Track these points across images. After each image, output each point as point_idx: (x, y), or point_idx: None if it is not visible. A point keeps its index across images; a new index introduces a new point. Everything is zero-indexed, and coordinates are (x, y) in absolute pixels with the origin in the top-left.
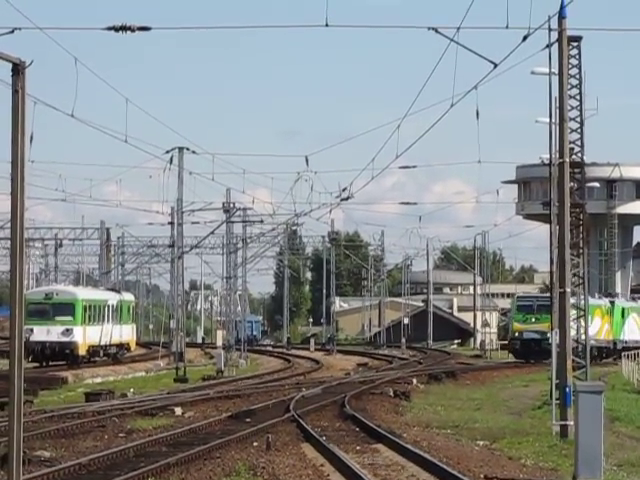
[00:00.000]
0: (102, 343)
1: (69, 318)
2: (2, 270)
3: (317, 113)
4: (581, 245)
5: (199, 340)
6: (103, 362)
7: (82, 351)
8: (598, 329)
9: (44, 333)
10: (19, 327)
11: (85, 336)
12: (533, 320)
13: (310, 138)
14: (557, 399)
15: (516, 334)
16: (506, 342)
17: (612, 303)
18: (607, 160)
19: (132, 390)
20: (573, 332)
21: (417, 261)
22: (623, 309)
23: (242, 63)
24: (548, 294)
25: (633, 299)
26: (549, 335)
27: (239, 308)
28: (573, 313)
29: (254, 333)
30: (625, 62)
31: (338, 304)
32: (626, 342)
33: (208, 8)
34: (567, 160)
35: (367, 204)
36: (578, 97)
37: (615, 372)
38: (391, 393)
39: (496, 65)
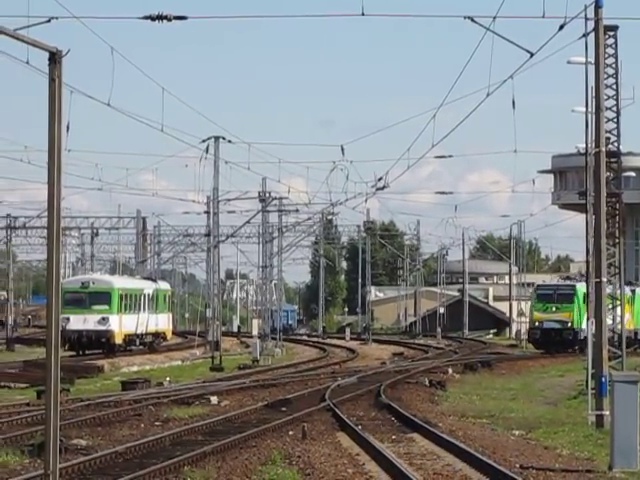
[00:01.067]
0: (138, 332)
1: (105, 307)
2: (39, 259)
3: (353, 102)
4: (617, 235)
5: (235, 329)
6: (139, 351)
7: (118, 340)
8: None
9: (81, 322)
10: (56, 316)
11: (121, 325)
12: (554, 309)
13: (346, 127)
14: (593, 389)
15: (536, 324)
16: None
17: (633, 292)
18: None
19: (168, 379)
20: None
21: (453, 251)
22: None
23: (279, 52)
24: (569, 282)
25: None
26: (570, 324)
27: (275, 297)
28: (608, 302)
29: (290, 322)
30: None
31: (374, 293)
32: None
33: None
34: (603, 149)
35: (403, 193)
36: (614, 86)
37: None
38: (427, 382)
39: (532, 54)
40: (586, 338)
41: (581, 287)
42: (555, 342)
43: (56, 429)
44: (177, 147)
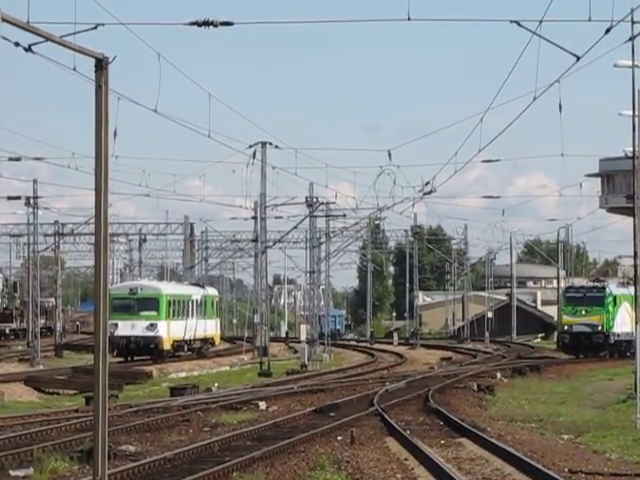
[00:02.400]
0: (186, 338)
1: (153, 313)
2: (87, 265)
3: (399, 107)
4: None
5: (283, 334)
6: (187, 357)
7: (166, 346)
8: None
9: (129, 328)
10: (103, 322)
11: (169, 331)
12: (583, 312)
13: (392, 132)
14: None
15: (565, 327)
16: None
17: None
18: None
19: (216, 384)
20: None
21: (500, 255)
22: None
23: (324, 58)
24: (599, 284)
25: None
26: (600, 328)
27: (322, 302)
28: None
29: (337, 327)
30: None
31: (421, 298)
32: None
33: (291, 3)
34: None
35: (450, 198)
36: None
37: None
38: (475, 387)
39: (579, 58)
40: (617, 342)
41: (611, 289)
42: (585, 346)
43: (105, 435)
44: (224, 153)
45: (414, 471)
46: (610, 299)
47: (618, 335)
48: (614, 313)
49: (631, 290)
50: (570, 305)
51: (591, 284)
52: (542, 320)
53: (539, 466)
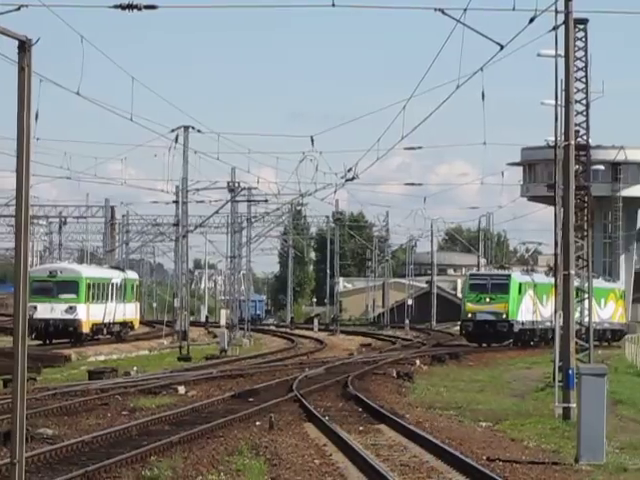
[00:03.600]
0: (106, 321)
1: (73, 296)
2: (6, 247)
3: (323, 94)
4: (585, 228)
5: (203, 319)
6: (107, 340)
7: (86, 329)
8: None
9: (48, 310)
10: (23, 304)
11: (89, 314)
12: (487, 300)
13: (315, 119)
14: (560, 381)
15: (469, 315)
16: None
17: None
18: (612, 143)
19: (135, 368)
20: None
21: (421, 242)
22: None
23: (248, 43)
24: (503, 272)
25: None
26: (504, 316)
27: (243, 287)
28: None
29: (258, 312)
30: (631, 45)
31: (342, 284)
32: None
33: None
34: (572, 142)
35: (372, 185)
36: (584, 80)
37: (618, 355)
38: (394, 374)
39: (502, 47)
40: (522, 331)
41: (516, 277)
42: (489, 335)
43: (22, 418)
44: (146, 136)
45: (332, 457)
46: (515, 287)
47: (522, 324)
48: (519, 301)
49: (535, 278)
50: (474, 292)
51: (495, 271)
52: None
53: (457, 453)
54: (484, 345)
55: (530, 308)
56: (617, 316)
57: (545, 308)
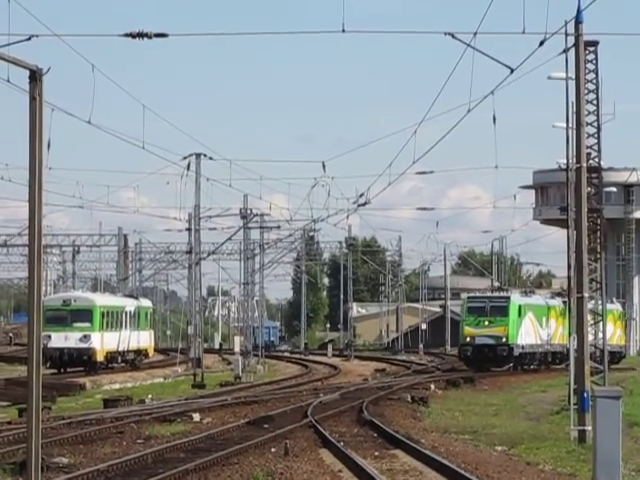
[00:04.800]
0: (120, 349)
1: (87, 324)
2: (20, 277)
3: (333, 119)
4: (598, 250)
5: (217, 346)
6: (121, 368)
7: (100, 357)
8: (553, 333)
9: (62, 339)
10: (37, 333)
11: (103, 342)
12: (486, 323)
13: (326, 144)
14: (575, 404)
15: (467, 339)
16: None
17: (565, 303)
18: (624, 165)
19: (150, 396)
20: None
21: (434, 266)
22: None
23: (259, 69)
24: (502, 294)
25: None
26: (504, 340)
27: (256, 314)
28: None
29: (272, 339)
30: None
31: (355, 310)
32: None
33: (225, 14)
34: (584, 165)
35: (384, 209)
36: (595, 102)
37: (633, 377)
38: (409, 399)
39: (513, 70)
40: (522, 355)
41: (515, 299)
42: (488, 359)
43: (38, 447)
44: (158, 164)
45: None
46: (514, 309)
47: (522, 347)
48: (518, 324)
49: (535, 300)
50: (472, 316)
51: (494, 293)
52: None
53: (473, 478)
54: (492, 369)
55: (530, 331)
56: (616, 338)
57: (545, 331)
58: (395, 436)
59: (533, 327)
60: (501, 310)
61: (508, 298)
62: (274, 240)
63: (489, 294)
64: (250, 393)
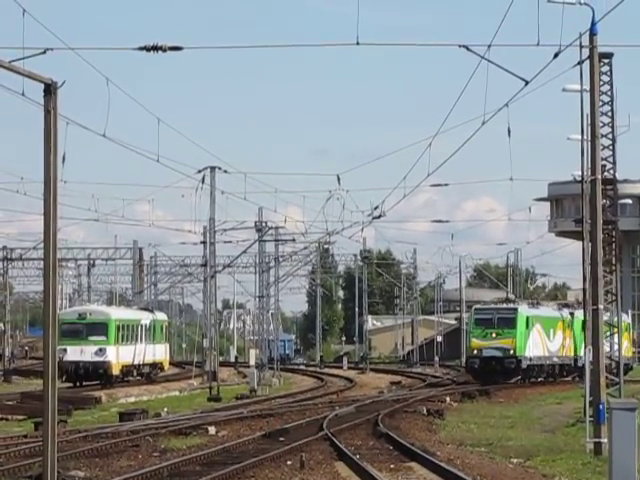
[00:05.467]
0: (135, 362)
1: (102, 338)
2: (35, 290)
3: (348, 132)
4: (614, 262)
5: (232, 359)
6: (136, 382)
7: (115, 371)
8: (560, 345)
9: (78, 353)
10: (53, 347)
11: (118, 356)
12: (494, 335)
13: (341, 157)
14: (591, 416)
15: (474, 352)
16: None
17: (572, 315)
18: (639, 177)
19: (166, 409)
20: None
21: (449, 279)
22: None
23: (273, 82)
24: (510, 305)
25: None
26: (512, 352)
27: (272, 327)
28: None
29: (287, 352)
30: None
31: (371, 322)
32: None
33: (239, 27)
34: (599, 177)
35: (399, 222)
36: (610, 114)
37: None
38: (424, 411)
39: (527, 82)
40: (530, 367)
41: (523, 310)
42: (496, 372)
43: (54, 461)
44: (173, 177)
45: None
46: (522, 321)
47: (530, 359)
48: (526, 335)
49: (542, 311)
50: (479, 327)
51: (501, 305)
52: None
53: None
54: (500, 382)
55: (538, 343)
56: (623, 350)
57: (553, 343)
58: (411, 449)
59: (541, 339)
60: (509, 322)
61: (516, 310)
62: (289, 253)
63: (496, 305)
64: (266, 406)
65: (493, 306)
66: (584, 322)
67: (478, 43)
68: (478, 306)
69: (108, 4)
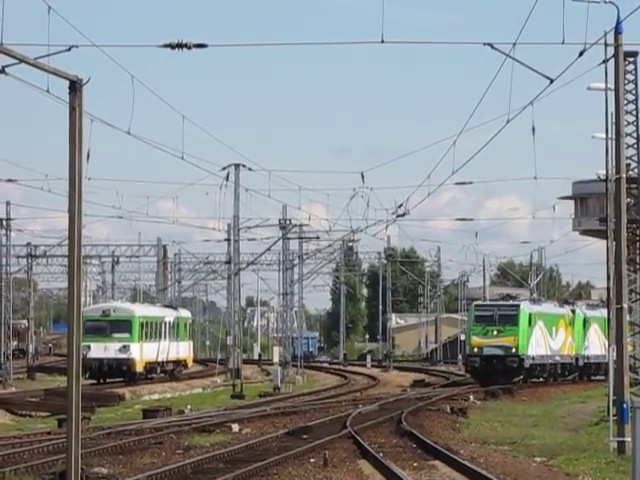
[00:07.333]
0: (159, 360)
1: (126, 335)
2: (60, 287)
3: (372, 129)
4: (638, 261)
5: (256, 357)
6: (160, 379)
7: (139, 368)
8: (562, 343)
9: (101, 350)
10: (77, 344)
11: (142, 353)
12: (495, 333)
13: (364, 154)
14: (614, 415)
15: (475, 350)
16: None
17: (573, 312)
18: None
19: (189, 407)
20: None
21: (473, 277)
22: (585, 319)
23: (297, 79)
24: (511, 302)
25: (591, 306)
26: (514, 350)
27: (295, 324)
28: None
29: (310, 349)
30: None
31: (394, 320)
32: (588, 357)
33: (264, 25)
34: (623, 176)
35: (423, 220)
36: (634, 113)
37: None
38: (448, 409)
39: (552, 81)
40: (532, 366)
41: (525, 307)
42: (497, 371)
43: (77, 457)
44: (197, 175)
45: None
46: (524, 318)
47: (533, 358)
48: (529, 334)
49: (545, 308)
50: (480, 325)
51: (502, 301)
52: None
53: None
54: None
55: (541, 341)
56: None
57: (555, 341)
58: (434, 447)
59: (543, 337)
60: (510, 319)
61: (518, 306)
62: (313, 251)
63: (497, 302)
64: (289, 404)
65: (494, 302)
66: (585, 319)
67: (503, 41)
68: (478, 302)
69: (133, 1)
